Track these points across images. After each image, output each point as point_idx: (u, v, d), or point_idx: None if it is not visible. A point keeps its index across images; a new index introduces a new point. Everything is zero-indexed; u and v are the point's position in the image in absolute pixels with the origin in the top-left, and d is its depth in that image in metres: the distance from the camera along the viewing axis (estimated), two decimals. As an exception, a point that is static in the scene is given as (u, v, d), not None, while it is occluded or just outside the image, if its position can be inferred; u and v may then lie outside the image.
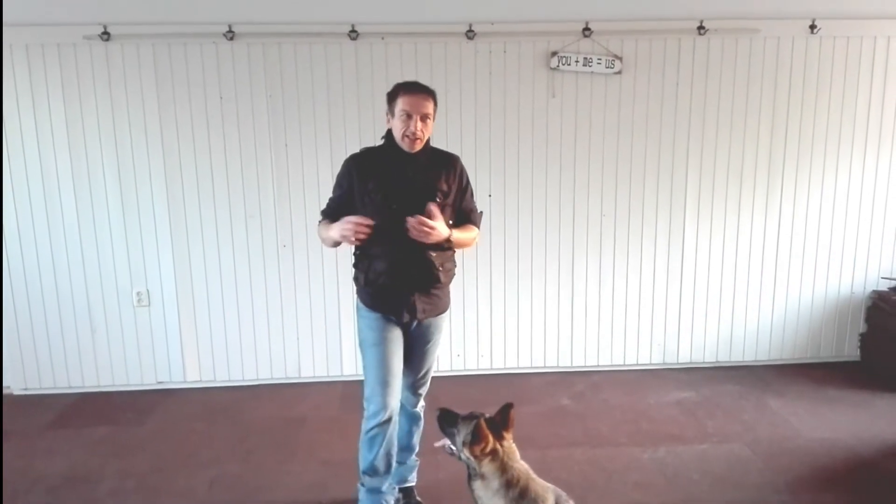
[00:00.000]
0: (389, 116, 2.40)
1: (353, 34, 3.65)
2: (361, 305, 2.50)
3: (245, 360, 4.04)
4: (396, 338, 2.45)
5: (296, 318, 4.00)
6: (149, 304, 3.93)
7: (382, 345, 2.42)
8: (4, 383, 3.93)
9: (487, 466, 2.00)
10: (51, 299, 3.88)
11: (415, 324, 2.46)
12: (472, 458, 2.00)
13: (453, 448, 2.09)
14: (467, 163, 3.84)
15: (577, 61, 3.76)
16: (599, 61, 3.76)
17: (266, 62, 3.69)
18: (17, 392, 3.99)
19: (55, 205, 3.77)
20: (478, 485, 2.02)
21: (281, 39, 3.67)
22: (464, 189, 2.52)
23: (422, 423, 2.71)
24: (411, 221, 2.24)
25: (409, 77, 3.71)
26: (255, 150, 3.79)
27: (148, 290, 3.91)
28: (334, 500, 2.82)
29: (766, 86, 3.87)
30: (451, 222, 2.43)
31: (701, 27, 3.74)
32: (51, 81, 3.63)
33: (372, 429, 2.44)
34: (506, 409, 2.10)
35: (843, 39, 3.84)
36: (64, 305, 3.90)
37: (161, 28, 3.59)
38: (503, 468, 2.00)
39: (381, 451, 2.44)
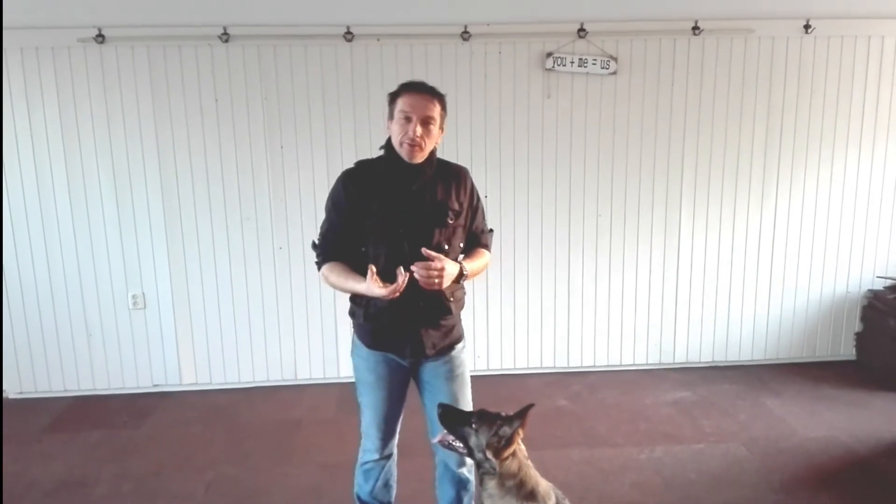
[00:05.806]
0: (389, 121, 2.07)
1: (349, 36, 3.65)
2: (359, 343, 2.19)
3: (241, 363, 4.03)
4: (399, 379, 2.21)
5: (292, 320, 3.99)
6: (144, 307, 3.92)
7: (384, 389, 2.19)
8: (-1, 387, 3.93)
9: (506, 466, 2.02)
10: (46, 302, 3.87)
11: (426, 362, 2.18)
12: (493, 459, 2.01)
13: (459, 446, 2.08)
14: (463, 164, 3.88)
15: (572, 62, 3.76)
16: (594, 62, 3.77)
17: (261, 64, 3.69)
18: (12, 396, 3.97)
19: (50, 207, 3.76)
20: (493, 484, 2.02)
21: (276, 41, 3.66)
22: (475, 207, 2.21)
23: (471, 486, 2.31)
24: (419, 272, 1.91)
25: (405, 79, 3.73)
26: (251, 153, 3.78)
27: (143, 293, 3.90)
28: (332, 503, 2.82)
29: (761, 86, 3.88)
30: (461, 245, 2.17)
31: (695, 27, 3.75)
32: (45, 85, 3.62)
33: (367, 462, 2.30)
34: (526, 410, 2.07)
35: (837, 39, 3.85)
36: (59, 308, 3.88)
37: (156, 30, 3.59)
38: (519, 467, 2.04)
39: (379, 483, 2.32)
